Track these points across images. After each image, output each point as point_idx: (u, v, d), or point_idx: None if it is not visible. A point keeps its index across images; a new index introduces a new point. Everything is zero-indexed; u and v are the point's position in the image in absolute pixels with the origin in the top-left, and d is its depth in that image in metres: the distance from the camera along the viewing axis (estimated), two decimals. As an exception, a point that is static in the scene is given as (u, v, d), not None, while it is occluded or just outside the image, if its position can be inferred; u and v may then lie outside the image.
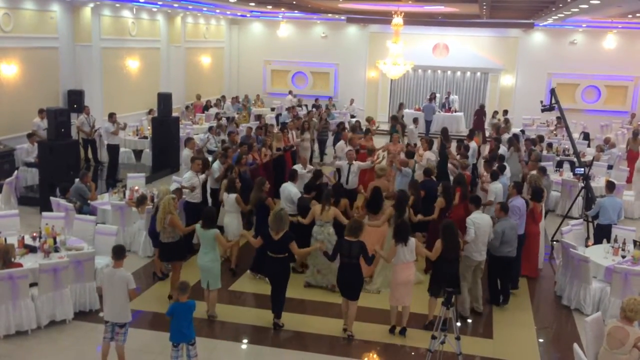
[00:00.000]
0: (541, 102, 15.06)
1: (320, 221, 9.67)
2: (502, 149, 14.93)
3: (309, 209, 9.94)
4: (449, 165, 13.56)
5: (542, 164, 13.91)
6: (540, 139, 16.98)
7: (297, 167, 12.39)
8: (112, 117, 15.98)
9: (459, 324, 8.15)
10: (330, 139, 19.10)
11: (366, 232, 9.42)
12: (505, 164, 12.63)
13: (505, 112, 22.28)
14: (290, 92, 25.89)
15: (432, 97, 24.57)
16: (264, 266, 9.07)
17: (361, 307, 9.15)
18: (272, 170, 13.94)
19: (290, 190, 10.64)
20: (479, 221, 8.93)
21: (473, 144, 15.06)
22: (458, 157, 13.78)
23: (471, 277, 9.14)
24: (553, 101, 13.38)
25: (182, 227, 9.07)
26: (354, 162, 12.83)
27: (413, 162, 13.17)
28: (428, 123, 22.94)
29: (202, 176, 11.29)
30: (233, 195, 10.14)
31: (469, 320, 9.08)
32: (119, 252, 7.22)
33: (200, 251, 8.64)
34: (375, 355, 8.09)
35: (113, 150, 16.08)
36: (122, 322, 7.14)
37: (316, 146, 18.81)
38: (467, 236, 8.87)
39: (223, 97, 24.44)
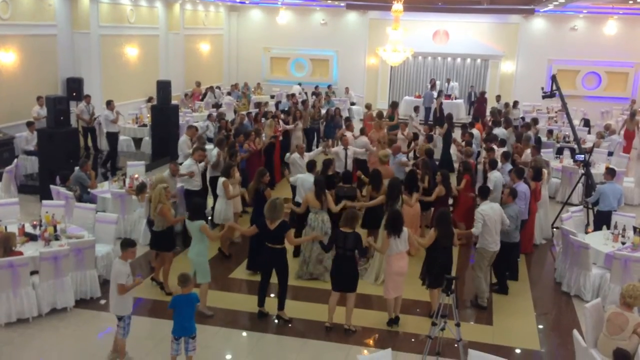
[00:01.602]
0: (542, 88, 15.03)
1: (315, 209, 9.62)
2: (501, 131, 15.03)
3: (349, 198, 9.96)
4: (456, 153, 13.68)
5: (543, 150, 14.00)
6: (535, 121, 16.99)
7: (295, 156, 12.24)
8: (110, 104, 15.90)
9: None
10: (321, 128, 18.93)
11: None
12: (509, 151, 12.87)
13: (499, 97, 22.30)
14: (299, 85, 25.73)
15: (433, 84, 24.55)
16: (259, 260, 8.97)
17: (360, 294, 9.21)
18: (263, 159, 13.82)
19: (312, 181, 10.25)
20: (489, 212, 8.80)
21: (476, 131, 15.15)
22: (463, 143, 13.90)
23: (485, 268, 9.11)
24: (554, 88, 13.34)
25: (171, 218, 8.89)
26: (349, 147, 12.88)
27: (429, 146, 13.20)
28: (427, 110, 22.87)
29: (202, 164, 11.28)
30: (221, 180, 10.08)
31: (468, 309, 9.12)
32: (122, 244, 7.16)
33: (191, 243, 8.47)
34: (374, 342, 8.13)
35: (112, 138, 16.02)
36: (117, 314, 7.10)
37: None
38: (474, 229, 8.83)
39: (212, 87, 24.14)
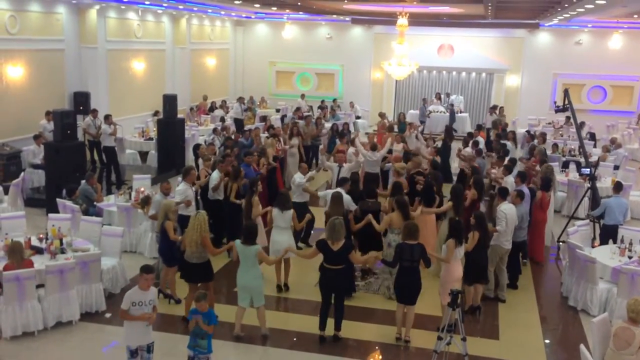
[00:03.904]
0: (555, 102, 15.18)
1: (397, 229, 9.24)
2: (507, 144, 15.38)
3: (373, 212, 9.85)
4: (460, 160, 14.11)
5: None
6: (543, 136, 17.21)
7: (297, 176, 11.58)
8: (108, 118, 15.97)
9: (479, 311, 8.19)
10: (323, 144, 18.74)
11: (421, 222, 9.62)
12: (515, 157, 13.51)
13: (494, 107, 22.18)
14: (302, 96, 25.85)
15: (437, 97, 24.73)
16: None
17: (365, 308, 9.23)
18: (267, 180, 12.99)
19: (345, 198, 9.99)
20: (509, 211, 9.40)
21: (480, 139, 15.66)
22: (468, 149, 14.44)
23: (496, 264, 9.59)
24: (566, 102, 13.40)
25: (213, 249, 8.52)
26: (344, 164, 12.64)
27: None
28: (421, 124, 22.97)
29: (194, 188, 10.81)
30: (289, 212, 9.56)
31: (478, 312, 9.11)
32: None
33: (240, 269, 8.14)
34: (380, 356, 8.08)
35: (109, 151, 16.05)
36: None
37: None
38: (498, 227, 9.32)
39: (243, 98, 24.48)
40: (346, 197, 10.02)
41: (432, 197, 10.47)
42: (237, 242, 8.13)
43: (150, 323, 6.69)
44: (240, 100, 23.35)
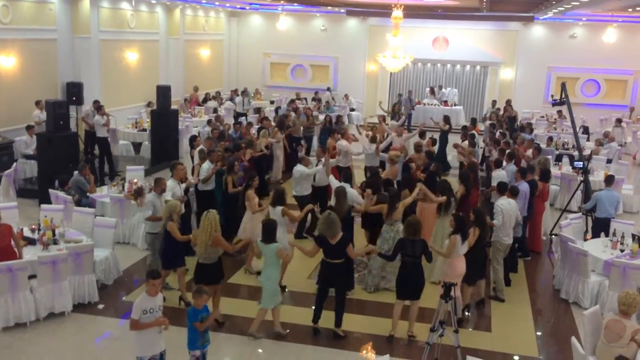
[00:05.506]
0: (552, 96, 15.26)
1: (390, 220, 9.41)
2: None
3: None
4: (457, 154, 14.12)
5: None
6: (529, 126, 17.47)
7: (300, 167, 11.52)
8: (100, 109, 15.90)
9: (467, 313, 8.24)
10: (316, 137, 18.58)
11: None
12: (513, 152, 13.39)
13: (508, 101, 22.13)
14: (328, 89, 25.69)
15: (431, 92, 24.69)
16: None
17: (357, 300, 9.26)
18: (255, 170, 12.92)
19: (350, 192, 10.00)
20: (507, 206, 9.33)
21: (475, 133, 15.91)
22: (466, 143, 14.40)
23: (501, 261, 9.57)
24: (563, 96, 13.46)
25: (228, 245, 8.25)
26: (322, 159, 12.40)
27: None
28: (408, 116, 22.90)
29: (184, 185, 10.58)
30: (279, 208, 9.28)
31: (467, 313, 9.08)
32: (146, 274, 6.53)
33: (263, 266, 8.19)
34: (370, 348, 8.11)
35: (102, 142, 15.98)
36: (135, 354, 6.41)
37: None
38: (495, 221, 9.28)
39: (234, 91, 24.58)
40: (351, 192, 10.05)
41: (435, 185, 10.47)
42: (258, 240, 8.09)
43: (165, 328, 6.27)
44: (244, 93, 23.33)
